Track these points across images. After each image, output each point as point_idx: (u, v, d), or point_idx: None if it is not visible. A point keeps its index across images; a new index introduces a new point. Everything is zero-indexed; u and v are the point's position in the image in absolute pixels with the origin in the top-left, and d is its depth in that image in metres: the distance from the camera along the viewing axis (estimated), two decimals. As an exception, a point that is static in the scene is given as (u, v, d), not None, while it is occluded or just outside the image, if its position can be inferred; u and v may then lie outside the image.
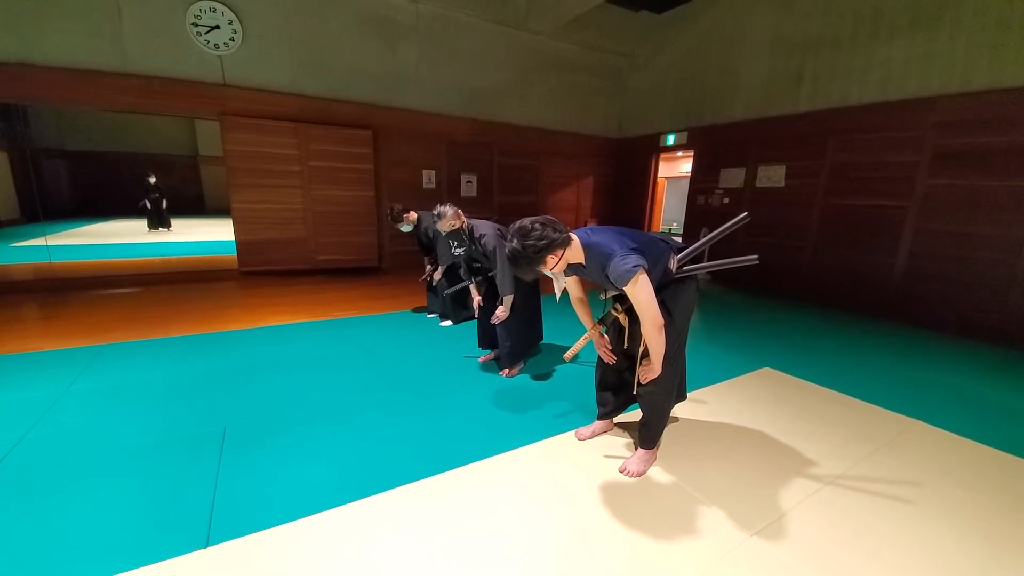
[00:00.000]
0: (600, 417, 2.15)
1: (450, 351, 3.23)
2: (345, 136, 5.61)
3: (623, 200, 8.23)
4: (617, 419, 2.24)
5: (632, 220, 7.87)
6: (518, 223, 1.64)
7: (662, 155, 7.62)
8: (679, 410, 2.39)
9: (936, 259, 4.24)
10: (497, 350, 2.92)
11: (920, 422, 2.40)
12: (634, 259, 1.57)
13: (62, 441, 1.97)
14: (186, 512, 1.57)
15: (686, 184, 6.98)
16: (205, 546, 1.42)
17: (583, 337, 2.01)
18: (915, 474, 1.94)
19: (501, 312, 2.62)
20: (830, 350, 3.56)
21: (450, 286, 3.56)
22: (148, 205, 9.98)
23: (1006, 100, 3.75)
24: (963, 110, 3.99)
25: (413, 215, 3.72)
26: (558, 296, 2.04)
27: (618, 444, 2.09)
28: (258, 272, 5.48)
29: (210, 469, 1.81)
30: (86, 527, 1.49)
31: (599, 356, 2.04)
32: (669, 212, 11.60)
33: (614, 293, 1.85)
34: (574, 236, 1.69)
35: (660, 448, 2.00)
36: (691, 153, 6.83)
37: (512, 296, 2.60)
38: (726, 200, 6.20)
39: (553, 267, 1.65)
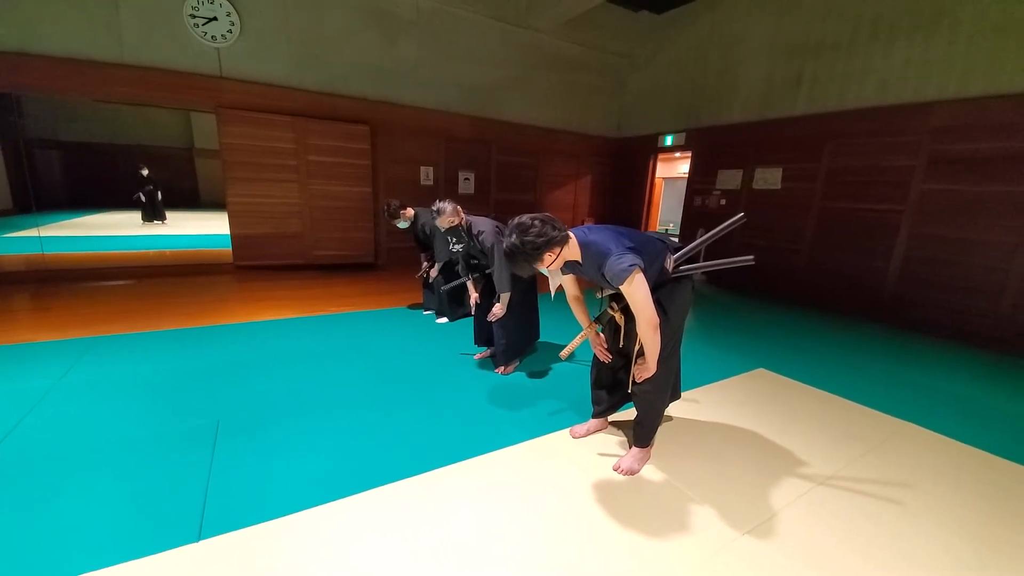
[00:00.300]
0: (595, 415, 2.16)
1: (445, 348, 3.23)
2: (343, 131, 5.58)
3: (621, 200, 8.24)
4: (611, 418, 2.25)
5: (629, 220, 7.87)
6: (517, 219, 1.64)
7: (660, 156, 7.64)
8: (673, 409, 2.40)
9: (930, 264, 4.27)
10: (493, 348, 2.92)
11: (912, 424, 2.43)
12: (630, 258, 1.57)
13: (53, 433, 1.96)
14: (178, 505, 1.56)
15: (683, 185, 6.98)
16: (197, 540, 1.42)
17: (579, 335, 2.02)
18: (906, 475, 1.96)
19: (498, 310, 2.62)
20: (824, 352, 3.59)
21: (447, 283, 3.56)
22: (142, 197, 9.90)
23: (1003, 106, 3.77)
24: (960, 115, 4.01)
25: (410, 211, 3.70)
26: (553, 293, 2.05)
27: (612, 442, 2.10)
28: (253, 267, 5.45)
29: (203, 463, 1.80)
30: (77, 520, 1.48)
31: (595, 354, 2.04)
32: (666, 213, 11.62)
33: (610, 292, 1.86)
34: (571, 234, 1.69)
35: (654, 447, 2.00)
36: (689, 154, 6.85)
37: (509, 294, 2.60)
38: (723, 202, 6.22)
39: (550, 264, 1.66)
